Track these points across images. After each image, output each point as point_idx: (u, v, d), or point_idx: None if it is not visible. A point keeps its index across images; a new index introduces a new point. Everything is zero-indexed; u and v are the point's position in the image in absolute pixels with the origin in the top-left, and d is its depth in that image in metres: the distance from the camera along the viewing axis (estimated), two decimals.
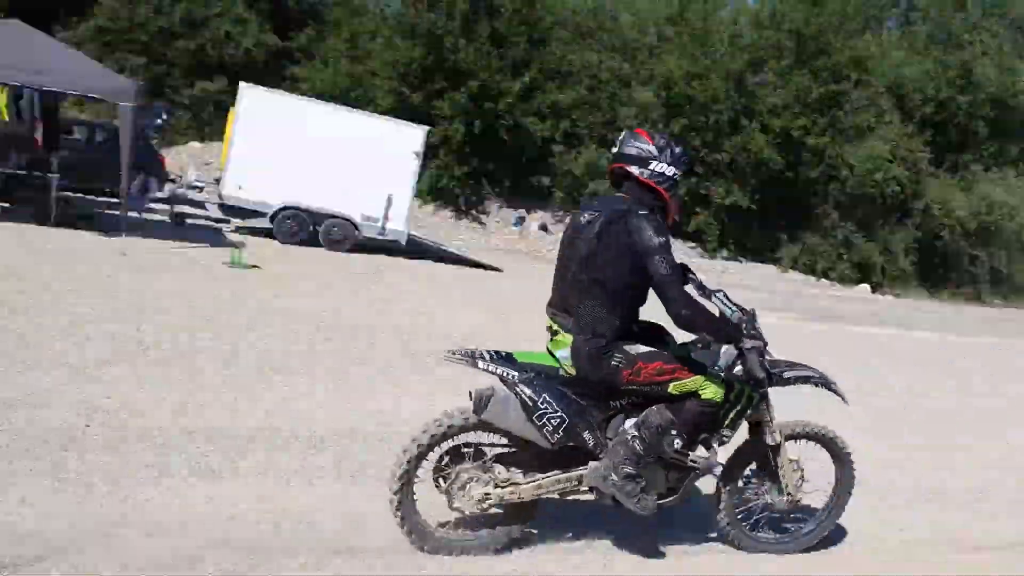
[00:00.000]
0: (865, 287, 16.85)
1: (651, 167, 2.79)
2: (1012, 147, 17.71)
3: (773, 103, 17.02)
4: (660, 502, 2.80)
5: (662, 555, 2.85)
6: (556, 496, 2.81)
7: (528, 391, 2.71)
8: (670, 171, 2.81)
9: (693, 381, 2.77)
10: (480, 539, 2.79)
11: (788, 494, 2.97)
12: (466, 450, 2.74)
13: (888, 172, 16.35)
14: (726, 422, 2.87)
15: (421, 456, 2.65)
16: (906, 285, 16.97)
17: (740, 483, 2.99)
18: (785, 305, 12.46)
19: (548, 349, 2.84)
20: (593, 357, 2.71)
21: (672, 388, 2.77)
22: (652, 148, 2.82)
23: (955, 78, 16.65)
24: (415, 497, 2.64)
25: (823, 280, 16.99)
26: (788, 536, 3.12)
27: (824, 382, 2.97)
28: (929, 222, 16.79)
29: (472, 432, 2.73)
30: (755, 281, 16.69)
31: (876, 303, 15.25)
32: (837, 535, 3.17)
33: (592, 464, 2.78)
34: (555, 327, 2.81)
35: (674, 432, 2.78)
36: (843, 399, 3.00)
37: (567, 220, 2.92)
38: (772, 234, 17.93)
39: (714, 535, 3.00)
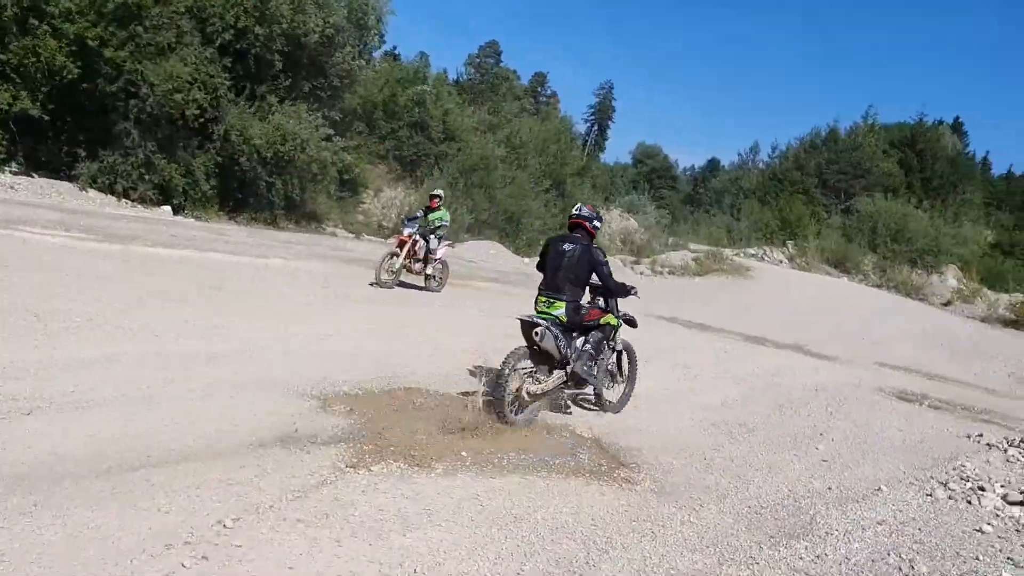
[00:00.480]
0: (167, 209, 18.84)
1: (593, 223, 6.83)
2: (304, 83, 21.44)
3: (67, 7, 17.25)
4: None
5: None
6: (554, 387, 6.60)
7: (555, 330, 6.38)
8: (600, 225, 6.98)
9: (608, 316, 7.00)
10: (531, 413, 6.48)
11: (622, 374, 7.58)
12: (511, 373, 6.17)
13: (189, 94, 18.27)
14: (612, 336, 7.12)
15: (510, 373, 6.12)
16: (207, 208, 19.50)
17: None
18: (75, 223, 13.28)
19: (544, 311, 6.53)
20: (575, 311, 6.59)
21: (602, 320, 6.89)
22: (593, 213, 6.88)
23: (252, 9, 19.27)
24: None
25: (124, 200, 18.36)
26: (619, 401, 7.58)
27: (630, 319, 7.41)
28: (229, 148, 19.37)
29: (521, 360, 6.31)
30: (48, 199, 17.12)
31: (176, 225, 17.24)
32: None
33: (571, 365, 6.53)
34: (551, 299, 6.54)
35: (605, 342, 6.97)
36: (635, 326, 7.50)
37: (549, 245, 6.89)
38: (69, 149, 18.47)
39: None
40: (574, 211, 6.89)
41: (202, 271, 11.66)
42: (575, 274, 6.56)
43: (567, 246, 6.63)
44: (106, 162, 18.22)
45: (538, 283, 6.83)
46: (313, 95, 21.90)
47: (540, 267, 6.89)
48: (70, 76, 17.43)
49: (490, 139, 33.10)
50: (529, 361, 6.43)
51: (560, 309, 6.49)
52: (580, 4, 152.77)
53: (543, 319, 6.42)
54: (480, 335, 8.95)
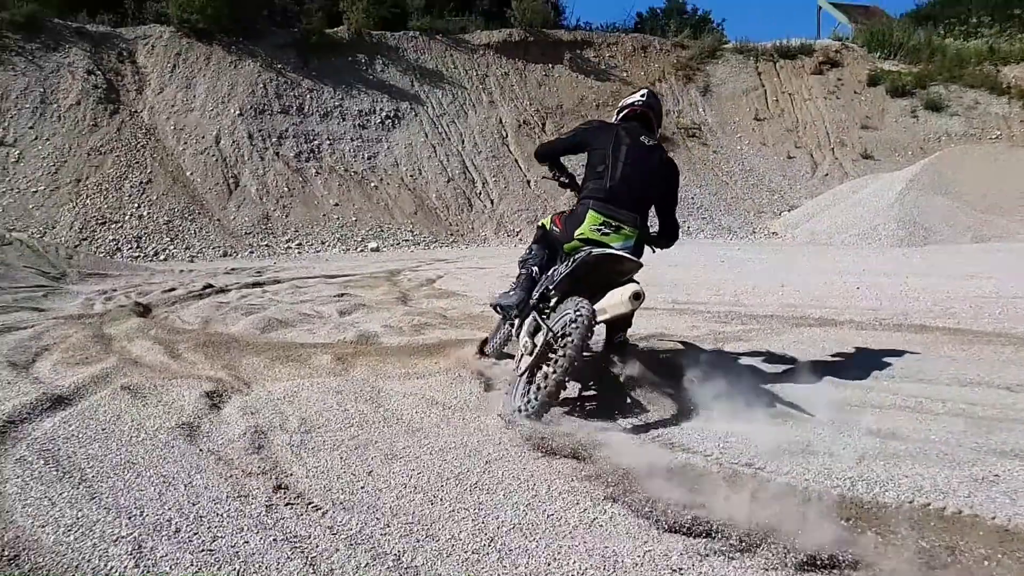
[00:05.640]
0: None
1: (660, 119, 4.15)
2: None
3: None
4: None
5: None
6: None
7: None
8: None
9: None
10: None
11: None
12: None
13: None
14: None
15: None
16: None
17: None
18: None
19: (606, 239, 3.55)
20: (638, 249, 3.75)
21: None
22: (659, 103, 4.20)
23: None
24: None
25: None
26: None
27: None
28: None
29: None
30: None
31: None
32: None
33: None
34: (622, 223, 3.61)
35: None
36: None
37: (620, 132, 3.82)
38: None
39: None
40: (639, 97, 4.04)
41: None
42: (654, 191, 3.83)
43: (649, 142, 3.83)
44: None
45: None
46: None
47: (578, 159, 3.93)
48: None
49: None
50: None
51: (632, 240, 3.64)
52: None
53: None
54: None
